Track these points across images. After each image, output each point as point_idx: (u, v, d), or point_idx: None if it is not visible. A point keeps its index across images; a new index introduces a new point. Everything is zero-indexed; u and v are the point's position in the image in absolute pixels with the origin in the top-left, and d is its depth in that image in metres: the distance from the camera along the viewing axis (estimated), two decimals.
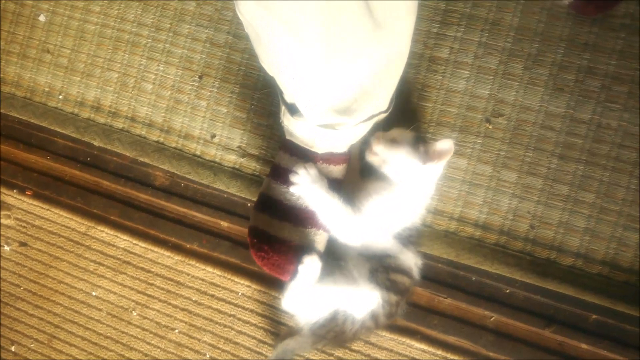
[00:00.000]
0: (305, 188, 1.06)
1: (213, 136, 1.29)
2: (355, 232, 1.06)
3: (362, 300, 1.03)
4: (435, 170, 1.06)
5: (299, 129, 1.07)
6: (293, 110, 1.06)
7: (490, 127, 1.16)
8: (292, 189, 1.07)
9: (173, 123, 1.32)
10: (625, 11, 1.10)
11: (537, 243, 1.13)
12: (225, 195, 1.29)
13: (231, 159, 1.28)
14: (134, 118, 1.35)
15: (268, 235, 1.09)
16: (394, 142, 1.05)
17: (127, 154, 1.34)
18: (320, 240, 1.09)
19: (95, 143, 1.36)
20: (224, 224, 1.28)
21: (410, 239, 1.06)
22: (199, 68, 1.31)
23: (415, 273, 1.06)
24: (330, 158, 1.08)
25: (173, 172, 1.31)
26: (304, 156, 1.08)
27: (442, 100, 1.18)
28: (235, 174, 1.27)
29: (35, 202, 1.39)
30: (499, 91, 1.15)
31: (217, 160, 1.29)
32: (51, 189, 1.39)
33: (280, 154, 1.13)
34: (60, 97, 1.40)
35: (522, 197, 1.14)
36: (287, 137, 1.10)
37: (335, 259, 1.08)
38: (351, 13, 0.86)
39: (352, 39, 0.90)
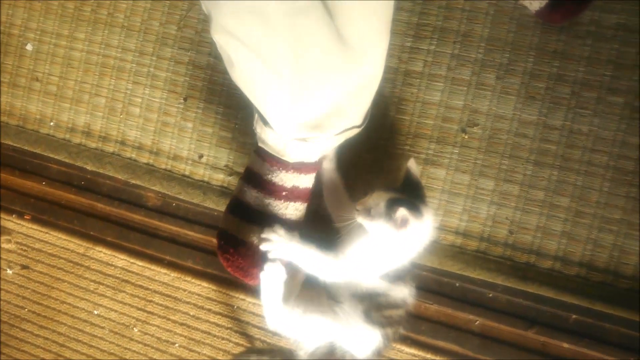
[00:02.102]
0: (280, 251, 1.08)
1: (201, 156, 1.33)
2: (337, 273, 1.08)
3: (364, 340, 1.05)
4: (409, 237, 1.00)
5: (270, 138, 1.10)
6: (265, 120, 1.09)
7: (466, 137, 1.19)
8: (269, 256, 1.09)
9: (161, 145, 1.36)
10: (591, 18, 1.13)
11: (517, 248, 1.17)
12: (216, 213, 1.32)
13: (219, 178, 1.31)
14: (123, 142, 1.39)
15: (235, 239, 1.14)
16: (372, 207, 1.01)
17: (119, 177, 1.38)
18: None
19: (88, 167, 1.40)
20: (216, 241, 1.32)
21: (399, 276, 1.06)
22: (183, 90, 1.34)
23: (409, 301, 1.08)
24: (301, 167, 1.12)
25: (164, 192, 1.35)
26: (275, 163, 1.11)
27: (419, 113, 1.21)
28: (224, 192, 1.30)
29: (34, 226, 1.44)
30: (473, 101, 1.18)
31: (206, 179, 1.32)
32: (48, 213, 1.43)
33: (253, 158, 1.17)
34: (52, 123, 1.44)
35: (500, 204, 1.17)
36: (260, 144, 1.14)
37: (329, 300, 1.10)
38: (321, 40, 0.89)
39: (322, 65, 0.93)
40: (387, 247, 1.02)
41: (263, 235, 1.09)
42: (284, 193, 1.13)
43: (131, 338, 1.36)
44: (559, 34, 1.15)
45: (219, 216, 1.31)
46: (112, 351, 1.36)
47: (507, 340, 1.17)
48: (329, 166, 1.18)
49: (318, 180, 1.19)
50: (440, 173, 1.20)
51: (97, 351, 1.37)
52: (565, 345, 1.14)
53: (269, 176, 1.12)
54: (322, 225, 1.21)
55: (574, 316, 1.15)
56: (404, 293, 1.07)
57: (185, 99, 1.34)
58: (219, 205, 1.30)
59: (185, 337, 1.32)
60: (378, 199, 1.00)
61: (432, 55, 1.20)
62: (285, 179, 1.12)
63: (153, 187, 1.35)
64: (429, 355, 1.20)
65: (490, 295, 1.18)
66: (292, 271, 1.15)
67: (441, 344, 1.20)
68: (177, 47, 1.35)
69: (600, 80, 1.13)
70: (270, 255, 1.08)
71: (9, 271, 1.44)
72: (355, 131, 1.12)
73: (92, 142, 1.41)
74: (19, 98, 1.47)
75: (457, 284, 1.20)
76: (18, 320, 1.43)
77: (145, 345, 1.35)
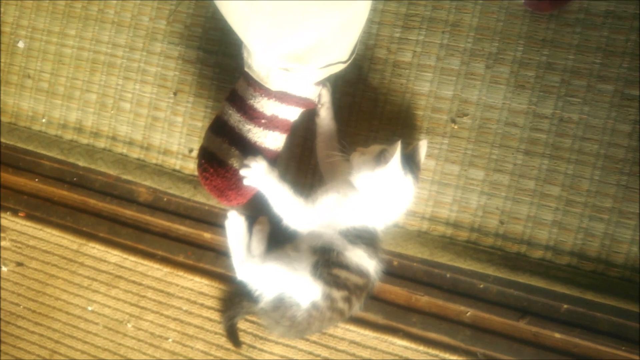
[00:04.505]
0: (258, 180, 1.11)
1: (191, 150, 1.33)
2: (304, 220, 1.11)
3: (303, 289, 1.08)
4: (385, 174, 1.02)
5: (255, 64, 1.11)
6: None
7: (455, 127, 1.18)
8: (245, 181, 1.11)
9: (152, 140, 1.36)
10: (580, 6, 1.12)
11: (507, 238, 1.16)
12: (207, 207, 1.32)
13: None
14: (114, 137, 1.39)
15: (216, 158, 1.16)
16: (367, 152, 1.07)
17: (111, 173, 1.38)
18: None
19: (80, 163, 1.40)
20: (207, 235, 1.32)
21: (364, 240, 1.07)
22: (173, 85, 1.34)
23: (370, 273, 1.09)
24: (283, 97, 1.12)
25: (155, 187, 1.35)
26: (259, 89, 1.12)
27: (408, 104, 1.20)
28: None
29: (28, 223, 1.44)
30: (462, 91, 1.18)
31: (196, 173, 1.32)
32: (42, 210, 1.44)
33: (240, 80, 1.17)
34: (44, 120, 1.44)
35: (490, 194, 1.16)
36: (246, 68, 1.14)
37: (286, 245, 1.14)
38: None
39: (306, 5, 0.93)
40: (363, 187, 1.06)
41: (245, 162, 1.11)
42: (263, 121, 1.14)
43: (125, 334, 1.36)
44: (548, 22, 1.14)
45: (209, 210, 1.32)
46: (106, 347, 1.37)
47: (499, 331, 1.17)
48: (325, 114, 1.19)
49: (312, 126, 1.21)
50: (430, 164, 1.19)
51: (91, 347, 1.37)
52: (557, 335, 1.14)
53: (251, 101, 1.13)
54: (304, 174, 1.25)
55: (565, 306, 1.14)
56: (361, 258, 1.08)
57: (175, 94, 1.34)
58: (209, 199, 1.30)
59: (178, 332, 1.32)
60: (375, 148, 1.06)
61: (421, 46, 1.20)
62: (265, 106, 1.13)
63: (144, 182, 1.35)
64: (420, 347, 1.19)
65: (482, 286, 1.18)
66: (259, 224, 1.22)
67: (432, 335, 1.19)
68: (166, 42, 1.35)
69: (589, 68, 1.12)
70: (245, 182, 1.11)
71: (4, 268, 1.44)
72: (341, 66, 1.13)
73: (84, 138, 1.41)
74: (10, 95, 1.47)
75: (448, 275, 1.19)
76: (13, 317, 1.43)
77: (139, 340, 1.35)
